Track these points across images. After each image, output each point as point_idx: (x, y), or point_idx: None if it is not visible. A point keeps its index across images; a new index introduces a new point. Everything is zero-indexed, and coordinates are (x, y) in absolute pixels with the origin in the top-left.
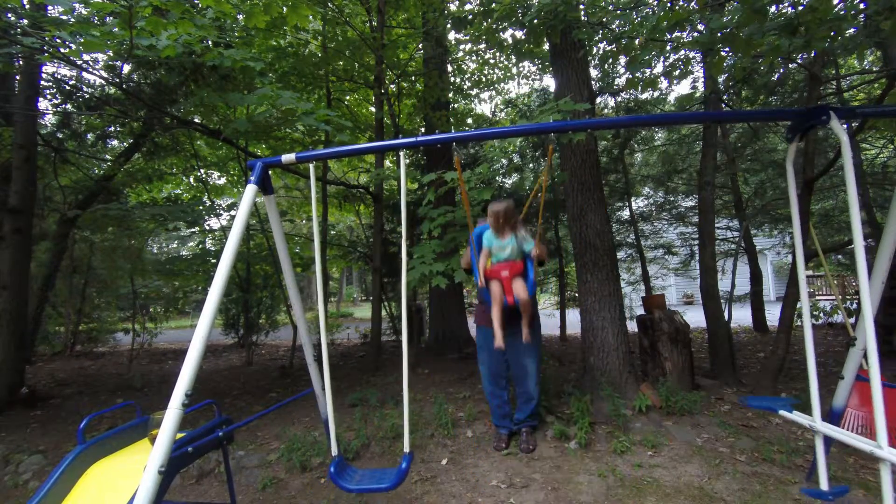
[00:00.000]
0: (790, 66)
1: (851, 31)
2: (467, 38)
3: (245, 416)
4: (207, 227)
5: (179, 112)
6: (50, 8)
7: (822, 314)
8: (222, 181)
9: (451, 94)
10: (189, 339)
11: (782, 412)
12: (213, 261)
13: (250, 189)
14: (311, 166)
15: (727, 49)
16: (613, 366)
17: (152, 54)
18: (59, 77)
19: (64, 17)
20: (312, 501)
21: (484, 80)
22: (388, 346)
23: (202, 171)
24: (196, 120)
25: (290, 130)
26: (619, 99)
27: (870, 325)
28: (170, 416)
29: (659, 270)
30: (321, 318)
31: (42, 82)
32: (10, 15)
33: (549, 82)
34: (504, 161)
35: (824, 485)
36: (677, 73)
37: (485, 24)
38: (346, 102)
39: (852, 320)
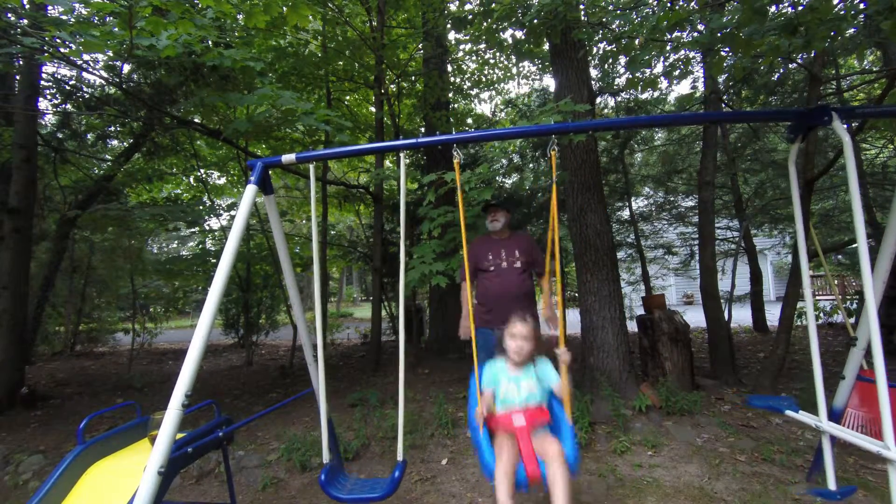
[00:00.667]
0: (790, 66)
1: (851, 31)
2: (467, 38)
3: (245, 416)
4: (207, 227)
5: (179, 112)
6: (50, 8)
7: (822, 314)
8: (222, 181)
9: (451, 94)
10: (189, 339)
11: (789, 412)
12: (213, 261)
13: (250, 189)
14: (311, 166)
15: (727, 49)
16: (613, 366)
17: (152, 54)
18: (59, 77)
19: (64, 17)
20: (312, 501)
21: (484, 80)
22: (388, 346)
23: (202, 171)
24: (196, 120)
25: (290, 130)
26: (619, 99)
27: (874, 325)
28: (170, 416)
29: (659, 270)
30: (318, 319)
31: (42, 82)
32: (10, 15)
33: (549, 82)
34: (504, 161)
35: (832, 484)
36: (677, 73)
37: (485, 24)
38: (346, 102)
39: (852, 320)
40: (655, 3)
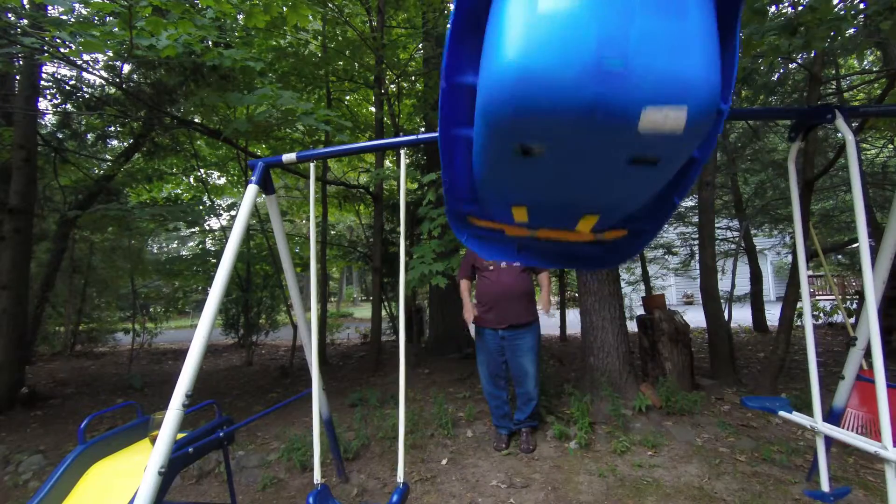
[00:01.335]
0: (790, 66)
1: (851, 31)
2: None
3: (245, 416)
4: (207, 227)
5: (179, 112)
6: (50, 8)
7: (822, 314)
8: (222, 181)
9: None
10: (189, 339)
11: (782, 413)
12: (214, 261)
13: (252, 189)
14: (312, 165)
15: None
16: (613, 366)
17: (152, 54)
18: (59, 77)
19: (64, 18)
20: None
21: None
22: (388, 346)
23: (202, 171)
24: (196, 120)
25: (290, 130)
26: None
27: (874, 325)
28: (170, 416)
29: (659, 270)
30: (313, 321)
31: (42, 82)
32: (10, 15)
33: None
34: None
35: (826, 486)
36: None
37: None
38: (346, 102)
39: (852, 320)
40: None
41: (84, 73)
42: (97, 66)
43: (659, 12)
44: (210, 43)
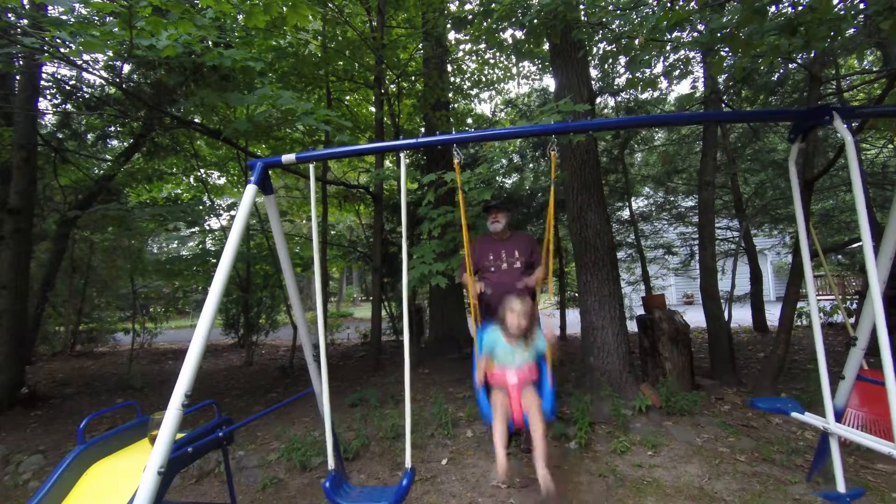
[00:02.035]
0: (790, 66)
1: (851, 31)
2: (467, 38)
3: (245, 416)
4: (207, 227)
5: (179, 112)
6: (50, 8)
7: (822, 314)
8: (222, 181)
9: (451, 94)
10: (189, 339)
11: (795, 414)
12: (213, 261)
13: (250, 189)
14: (311, 166)
15: (727, 49)
16: (613, 366)
17: (152, 54)
18: (59, 77)
19: (64, 17)
20: (312, 501)
21: (484, 80)
22: (388, 346)
23: (202, 171)
24: (196, 120)
25: (290, 130)
26: (619, 99)
27: (882, 325)
28: (170, 416)
29: (659, 270)
30: (319, 320)
31: (42, 82)
32: (10, 15)
33: (549, 82)
34: (504, 161)
35: (841, 487)
36: (677, 73)
37: (485, 24)
38: (346, 102)
39: (852, 320)
40: (655, 3)
41: (84, 73)
42: (97, 66)
43: None
44: (210, 43)
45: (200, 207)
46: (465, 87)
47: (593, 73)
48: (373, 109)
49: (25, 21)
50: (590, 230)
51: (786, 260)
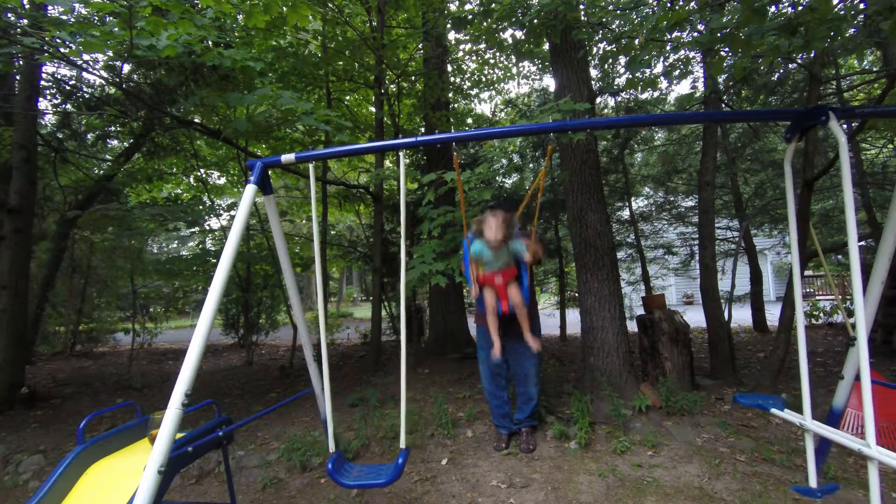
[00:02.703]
0: (790, 66)
1: (851, 31)
2: (467, 38)
3: (245, 416)
4: (207, 227)
5: (179, 112)
6: (50, 8)
7: (822, 314)
8: (222, 181)
9: (451, 94)
10: (189, 339)
11: (774, 410)
12: (213, 261)
13: (250, 189)
14: (311, 166)
15: (727, 49)
16: (613, 366)
17: (152, 54)
18: (59, 77)
19: (64, 17)
20: (312, 501)
21: (484, 80)
22: (388, 346)
23: (202, 171)
24: (196, 120)
25: (290, 130)
26: (619, 99)
27: (861, 323)
28: (169, 416)
29: (659, 270)
30: (321, 317)
31: (42, 82)
32: (10, 15)
33: (549, 82)
34: (504, 161)
35: (813, 482)
36: (677, 73)
37: (485, 24)
38: (346, 102)
39: (852, 320)
40: (655, 3)
41: (84, 73)
42: (97, 66)
43: None
44: (210, 43)
45: (200, 207)
46: (465, 87)
47: (593, 73)
48: (373, 109)
49: (25, 21)
50: (590, 230)
51: (786, 260)
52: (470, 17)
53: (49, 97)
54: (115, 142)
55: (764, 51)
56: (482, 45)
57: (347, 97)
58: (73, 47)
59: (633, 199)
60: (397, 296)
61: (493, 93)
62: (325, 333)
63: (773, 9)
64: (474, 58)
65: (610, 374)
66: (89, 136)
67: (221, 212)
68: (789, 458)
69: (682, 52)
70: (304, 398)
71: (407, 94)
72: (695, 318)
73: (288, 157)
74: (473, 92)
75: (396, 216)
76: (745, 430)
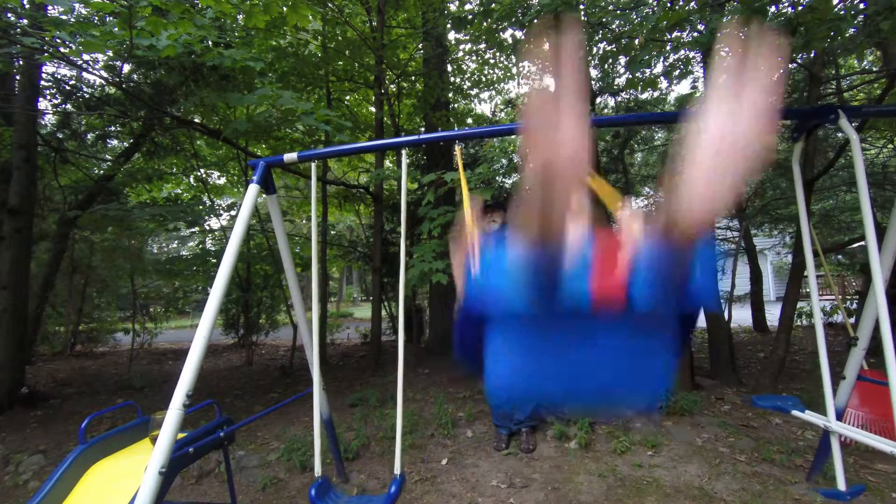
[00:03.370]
0: (790, 66)
1: (851, 31)
2: (467, 38)
3: (245, 416)
4: (207, 227)
5: (179, 112)
6: (50, 8)
7: (822, 314)
8: (222, 181)
9: (451, 94)
10: (189, 339)
11: (796, 412)
12: (214, 261)
13: (253, 189)
14: (313, 165)
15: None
16: None
17: (152, 54)
18: (59, 77)
19: (64, 17)
20: None
21: (484, 80)
22: (388, 346)
23: (202, 171)
24: (196, 120)
25: (290, 130)
26: (619, 99)
27: (885, 323)
28: (171, 416)
29: None
30: (314, 320)
31: (42, 82)
32: (10, 15)
33: (549, 82)
34: (504, 161)
35: (842, 485)
36: (677, 73)
37: (485, 24)
38: (346, 102)
39: (852, 320)
40: (655, 3)
41: (84, 73)
42: (97, 66)
43: None
44: (210, 43)
45: (200, 207)
46: (465, 87)
47: (593, 73)
48: (373, 109)
49: (25, 21)
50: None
51: (786, 260)
52: (470, 17)
53: (49, 97)
54: (115, 142)
55: None
56: (482, 45)
57: (347, 97)
58: (73, 47)
59: (633, 199)
60: (397, 296)
61: (493, 93)
62: (317, 342)
63: (773, 9)
64: (474, 58)
65: None
66: (89, 136)
67: (221, 212)
68: (789, 458)
69: (682, 52)
70: (305, 398)
71: (407, 94)
72: None
73: (290, 157)
74: (473, 92)
75: (396, 216)
76: (745, 430)
